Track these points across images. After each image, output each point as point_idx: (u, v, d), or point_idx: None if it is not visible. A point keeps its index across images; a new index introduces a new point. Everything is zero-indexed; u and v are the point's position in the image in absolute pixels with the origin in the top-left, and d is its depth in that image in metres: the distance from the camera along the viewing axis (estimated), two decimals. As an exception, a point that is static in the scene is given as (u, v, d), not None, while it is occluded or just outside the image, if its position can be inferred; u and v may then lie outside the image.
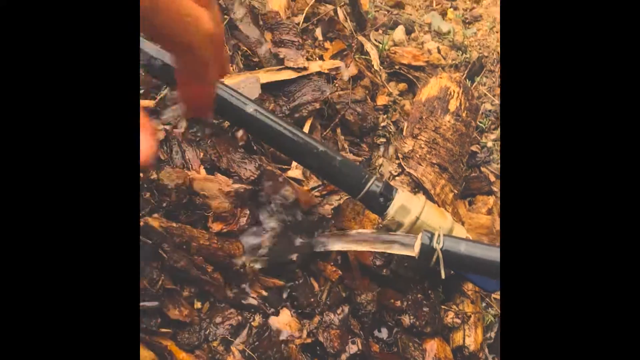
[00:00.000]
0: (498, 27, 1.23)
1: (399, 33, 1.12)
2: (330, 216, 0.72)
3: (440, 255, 0.62)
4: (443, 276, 0.62)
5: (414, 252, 0.63)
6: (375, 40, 1.08)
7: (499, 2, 1.29)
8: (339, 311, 0.69)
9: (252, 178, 0.68)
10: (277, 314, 0.65)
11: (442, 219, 0.69)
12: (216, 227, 0.62)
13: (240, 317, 0.62)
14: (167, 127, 0.69)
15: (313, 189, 0.75)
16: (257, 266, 0.65)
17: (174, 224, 0.59)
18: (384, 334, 0.74)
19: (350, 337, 0.69)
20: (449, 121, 0.88)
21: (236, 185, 0.64)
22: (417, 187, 0.80)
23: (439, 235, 0.63)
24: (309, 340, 0.65)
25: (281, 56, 0.84)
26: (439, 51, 1.13)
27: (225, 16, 0.85)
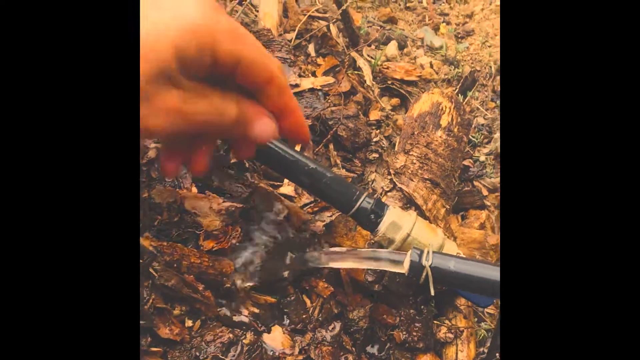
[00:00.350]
0: (490, 41, 1.25)
1: (392, 48, 1.13)
2: (322, 233, 0.73)
3: (430, 272, 0.62)
4: (432, 293, 0.62)
5: (404, 269, 0.64)
6: (368, 55, 1.08)
7: (493, 15, 1.30)
8: (331, 327, 0.70)
9: (244, 195, 0.68)
10: (269, 331, 0.65)
11: (433, 235, 0.70)
12: (207, 245, 0.62)
13: (231, 335, 0.62)
14: (159, 145, 0.69)
15: (305, 205, 0.76)
16: (249, 284, 0.65)
17: (165, 243, 0.60)
18: (376, 349, 0.74)
19: (342, 353, 0.69)
20: (440, 136, 0.89)
21: (227, 204, 0.64)
22: (408, 202, 0.80)
23: (428, 252, 0.63)
24: (300, 357, 0.65)
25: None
26: (431, 66, 1.14)
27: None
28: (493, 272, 0.58)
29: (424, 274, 0.63)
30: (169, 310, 0.59)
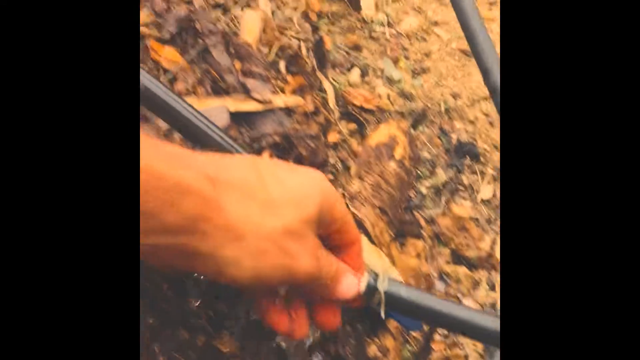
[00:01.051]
0: (443, 82, 1.33)
1: (355, 75, 1.19)
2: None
3: (383, 297, 0.68)
4: (383, 316, 0.68)
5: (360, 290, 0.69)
6: (333, 79, 1.14)
7: (447, 57, 1.39)
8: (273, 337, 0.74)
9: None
10: (220, 336, 0.69)
11: (379, 258, 0.76)
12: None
13: (187, 336, 0.66)
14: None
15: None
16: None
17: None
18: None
19: (283, 361, 0.74)
20: (393, 168, 0.96)
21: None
22: (358, 227, 0.86)
23: (384, 277, 0.69)
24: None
25: (248, 86, 0.88)
26: (388, 97, 1.21)
27: (200, 40, 0.89)
28: (440, 305, 0.63)
29: (377, 297, 0.69)
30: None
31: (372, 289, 0.68)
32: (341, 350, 0.81)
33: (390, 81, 1.26)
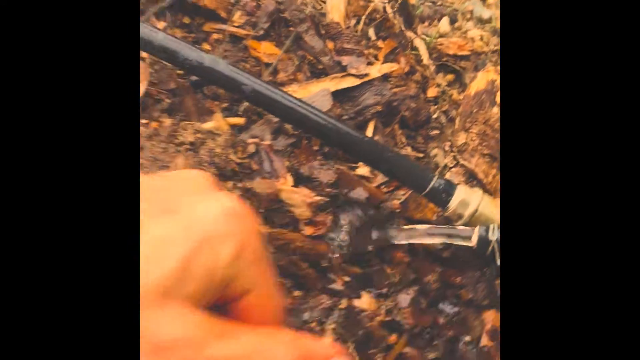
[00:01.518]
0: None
1: (445, 24, 1.19)
2: (399, 210, 0.83)
3: (496, 246, 0.72)
4: (498, 263, 0.72)
5: (472, 243, 0.74)
6: (423, 34, 1.16)
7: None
8: (409, 291, 0.81)
9: (331, 182, 0.79)
10: (359, 297, 0.77)
11: (497, 210, 0.79)
12: (308, 230, 0.74)
13: (330, 302, 0.74)
14: (256, 140, 0.80)
15: (380, 185, 0.86)
16: (340, 259, 0.77)
17: (275, 230, 0.71)
18: (447, 307, 0.86)
19: (420, 313, 0.81)
20: (497, 113, 0.97)
21: (317, 198, 0.75)
22: (470, 177, 0.90)
23: (494, 228, 0.73)
24: (388, 318, 0.77)
25: (344, 64, 0.93)
26: (481, 39, 1.21)
27: (291, 29, 0.95)
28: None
29: (490, 247, 0.74)
30: (281, 283, 0.71)
31: (484, 241, 0.73)
32: (472, 294, 0.86)
33: (481, 21, 1.25)
